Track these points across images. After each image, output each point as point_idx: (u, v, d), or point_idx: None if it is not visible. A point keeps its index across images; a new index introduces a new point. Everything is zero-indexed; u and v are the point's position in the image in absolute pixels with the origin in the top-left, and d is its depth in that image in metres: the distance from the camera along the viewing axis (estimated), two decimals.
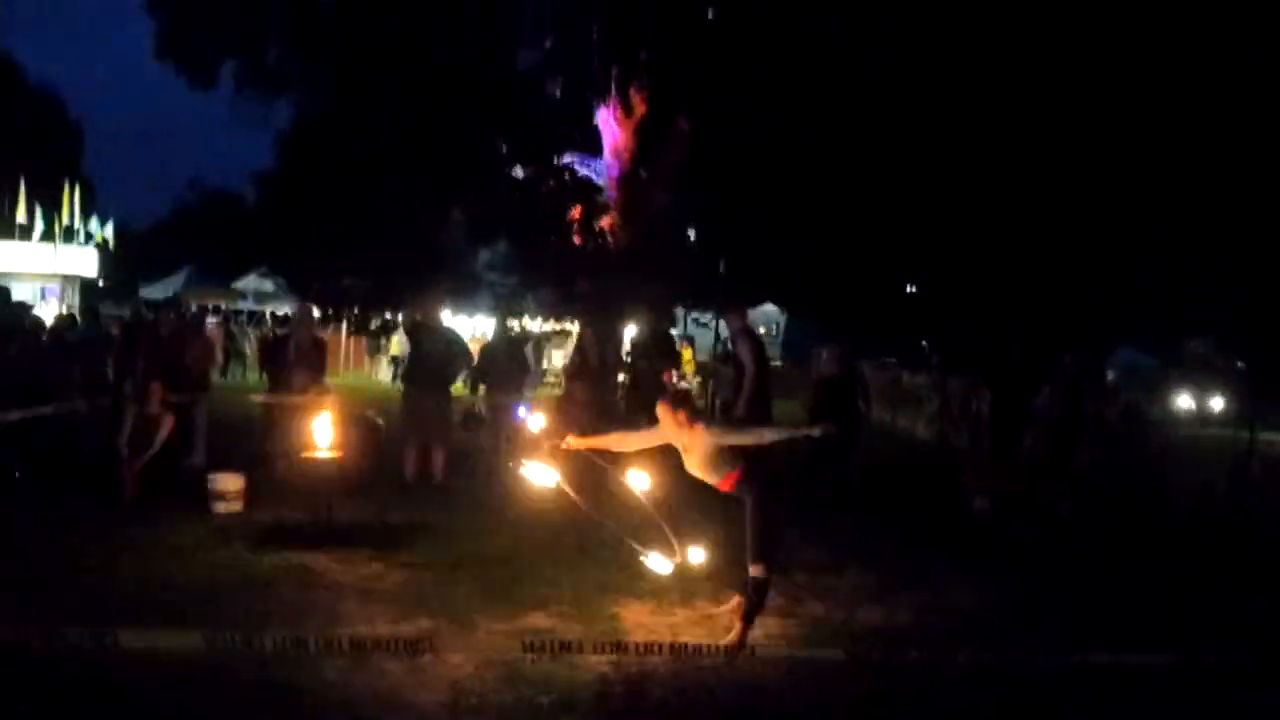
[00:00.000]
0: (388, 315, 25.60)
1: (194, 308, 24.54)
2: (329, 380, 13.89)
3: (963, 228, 18.12)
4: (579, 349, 14.59)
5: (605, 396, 13.77)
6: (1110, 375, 23.86)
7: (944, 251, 19.00)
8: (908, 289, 29.37)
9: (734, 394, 13.44)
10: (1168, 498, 13.00)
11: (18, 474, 11.37)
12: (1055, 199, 17.44)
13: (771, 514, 7.27)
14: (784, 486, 12.40)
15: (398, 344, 29.00)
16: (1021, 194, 17.57)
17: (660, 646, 6.83)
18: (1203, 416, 22.68)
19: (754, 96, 16.66)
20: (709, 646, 6.89)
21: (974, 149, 17.17)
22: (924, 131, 16.65)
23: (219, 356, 27.92)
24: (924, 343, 32.88)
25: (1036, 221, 17.79)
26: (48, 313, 23.62)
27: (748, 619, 7.12)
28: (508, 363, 14.28)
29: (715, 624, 7.62)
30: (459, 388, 15.02)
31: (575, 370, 14.11)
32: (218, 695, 5.80)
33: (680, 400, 7.77)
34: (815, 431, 8.39)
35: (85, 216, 38.16)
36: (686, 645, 6.88)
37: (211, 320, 31.04)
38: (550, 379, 27.81)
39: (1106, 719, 6.07)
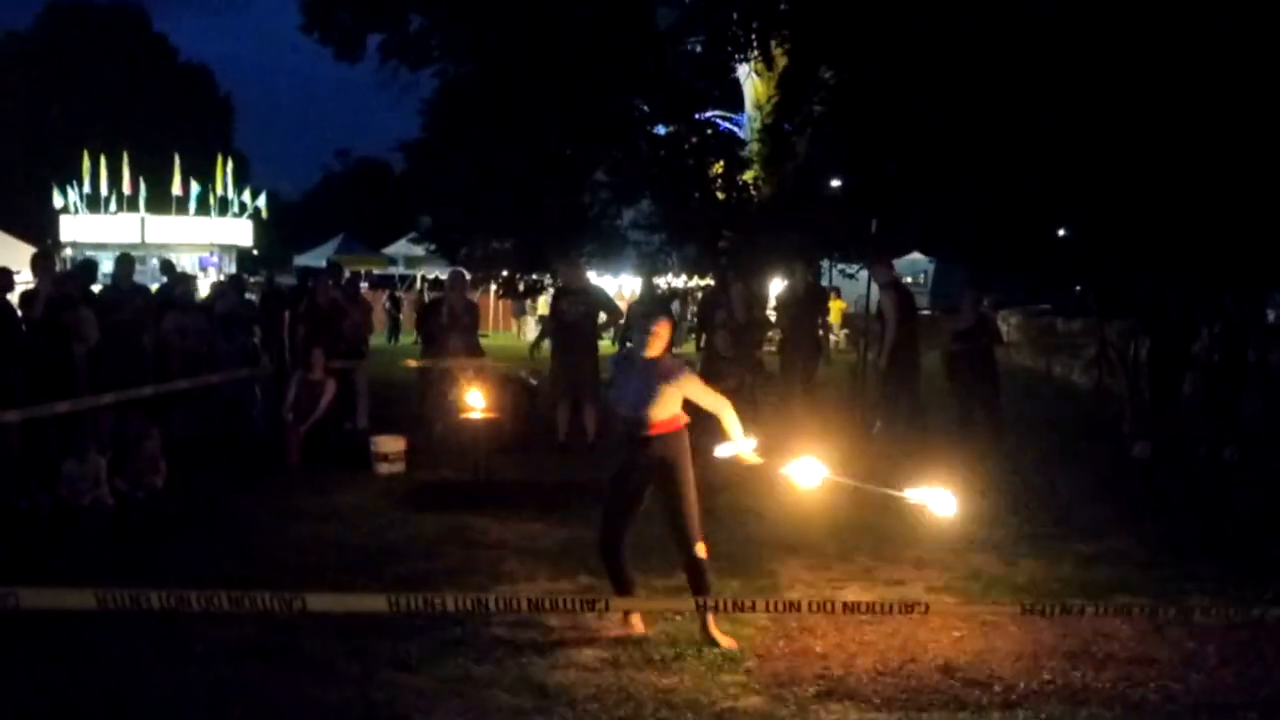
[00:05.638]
0: (534, 277, 25.85)
1: (346, 274, 25.20)
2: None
3: (1117, 168, 17.63)
4: (722, 304, 14.49)
5: (750, 350, 13.71)
6: (1271, 316, 22.93)
7: (1098, 194, 18.50)
8: (1060, 234, 28.69)
9: (880, 346, 13.36)
10: None
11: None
12: (1210, 136, 16.87)
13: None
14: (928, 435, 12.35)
15: (544, 305, 29.34)
16: (1176, 132, 17.03)
17: (830, 604, 6.69)
18: None
19: (901, 40, 16.39)
20: (878, 604, 6.82)
21: (1125, 87, 16.68)
22: (1078, 71, 16.22)
23: (384, 322, 28.86)
24: (1078, 288, 32.10)
25: (1191, 159, 17.23)
26: (205, 283, 24.52)
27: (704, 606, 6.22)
28: None
29: (875, 579, 7.60)
30: (607, 346, 15.12)
31: (720, 325, 14.08)
32: (396, 653, 5.99)
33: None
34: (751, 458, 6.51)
35: (238, 188, 39.32)
36: (858, 604, 6.77)
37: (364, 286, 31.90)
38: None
39: None
